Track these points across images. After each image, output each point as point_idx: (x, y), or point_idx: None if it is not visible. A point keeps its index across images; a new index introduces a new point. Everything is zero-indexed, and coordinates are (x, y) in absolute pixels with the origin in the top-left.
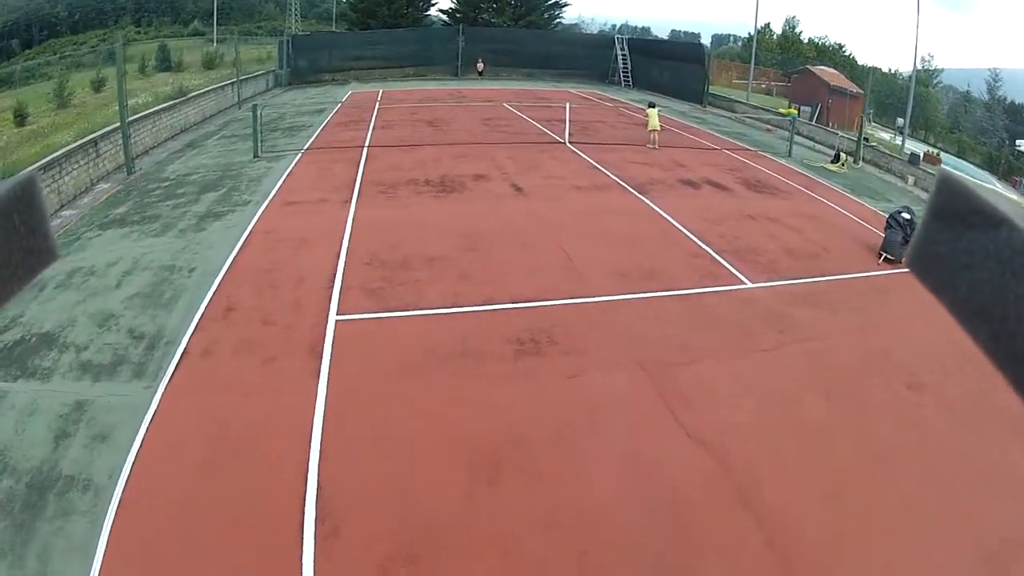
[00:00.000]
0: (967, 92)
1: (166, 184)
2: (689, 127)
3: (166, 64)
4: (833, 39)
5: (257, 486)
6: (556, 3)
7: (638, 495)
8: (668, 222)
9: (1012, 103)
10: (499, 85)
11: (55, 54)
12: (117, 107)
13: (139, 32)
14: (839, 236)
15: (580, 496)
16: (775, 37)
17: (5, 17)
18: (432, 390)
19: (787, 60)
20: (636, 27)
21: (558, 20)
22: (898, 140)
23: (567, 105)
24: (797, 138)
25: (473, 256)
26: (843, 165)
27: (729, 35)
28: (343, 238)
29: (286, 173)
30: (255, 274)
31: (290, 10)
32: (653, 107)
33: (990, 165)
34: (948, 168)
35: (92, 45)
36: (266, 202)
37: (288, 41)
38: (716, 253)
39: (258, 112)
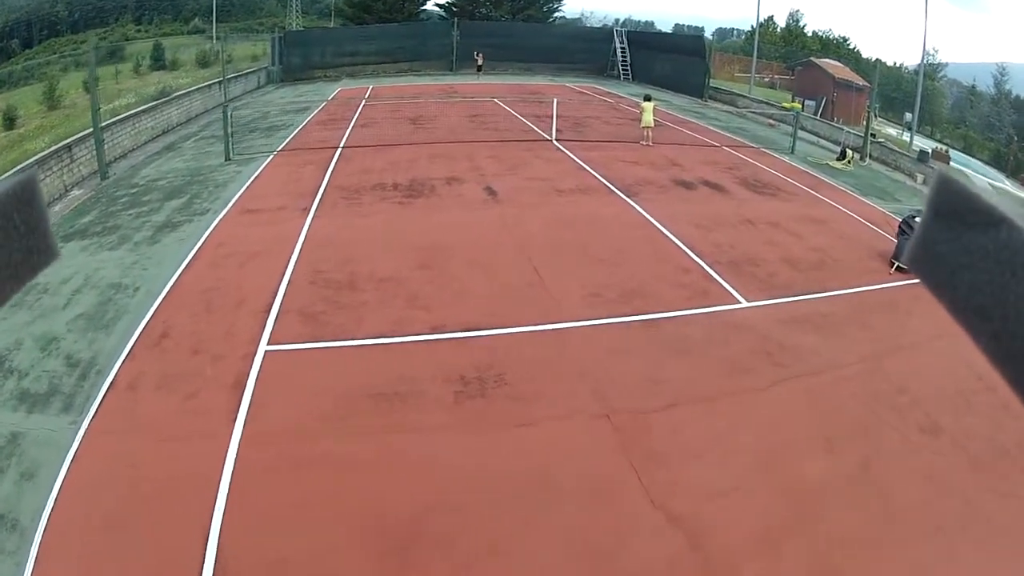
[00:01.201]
0: (973, 87)
1: (134, 191)
2: (687, 122)
3: (160, 63)
4: (837, 32)
5: (157, 551)
6: None
7: None
8: (656, 229)
9: (1018, 98)
10: (494, 80)
11: (55, 53)
12: (106, 107)
13: (139, 30)
14: (846, 242)
15: None
16: (778, 30)
17: (5, 17)
18: (353, 442)
19: (791, 53)
20: (640, 21)
21: (557, 13)
22: (905, 136)
23: (555, 100)
24: (801, 133)
25: (427, 274)
26: (849, 162)
27: (732, 29)
28: (293, 253)
29: (252, 178)
30: (196, 294)
31: (290, 6)
32: (649, 100)
33: (998, 162)
34: (945, 167)
35: (93, 44)
36: (224, 211)
37: (280, 37)
38: (708, 266)
39: (229, 114)
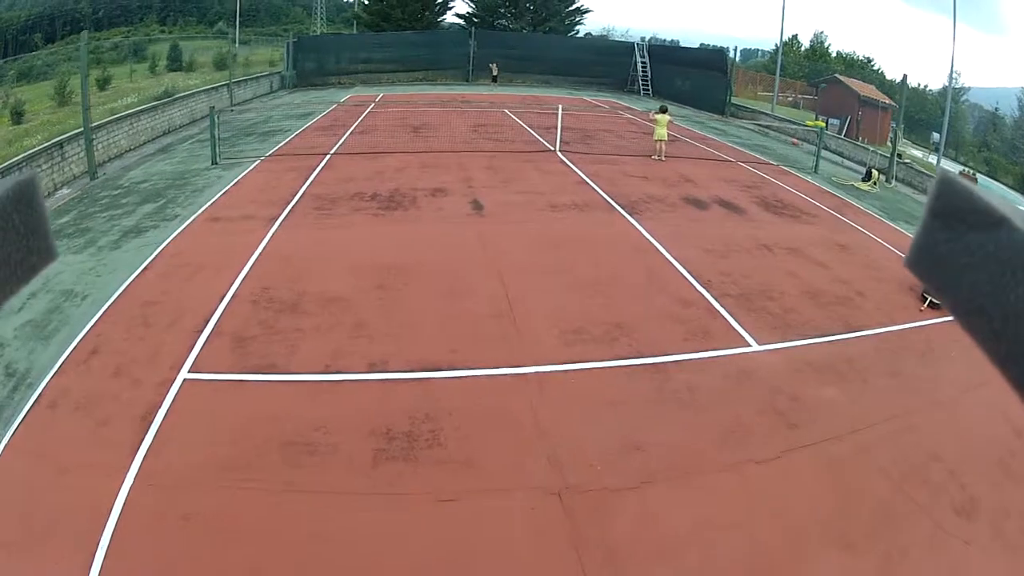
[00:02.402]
0: (995, 110)
1: (116, 193)
2: (706, 137)
3: (177, 63)
4: (861, 54)
5: None
6: (577, 9)
7: None
8: (659, 254)
9: None
10: (509, 91)
11: (77, 50)
12: (116, 104)
13: (163, 31)
14: (874, 273)
15: None
16: (802, 50)
17: (28, 12)
18: (248, 500)
19: (814, 71)
20: (665, 40)
21: (579, 27)
22: (930, 158)
23: (559, 108)
24: (824, 153)
25: (381, 298)
26: (875, 184)
27: (757, 49)
28: (244, 267)
29: (232, 183)
30: (137, 307)
31: (316, 13)
32: (664, 112)
33: (1022, 187)
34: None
35: (115, 42)
36: (192, 217)
37: (293, 43)
38: (715, 299)
39: (215, 117)
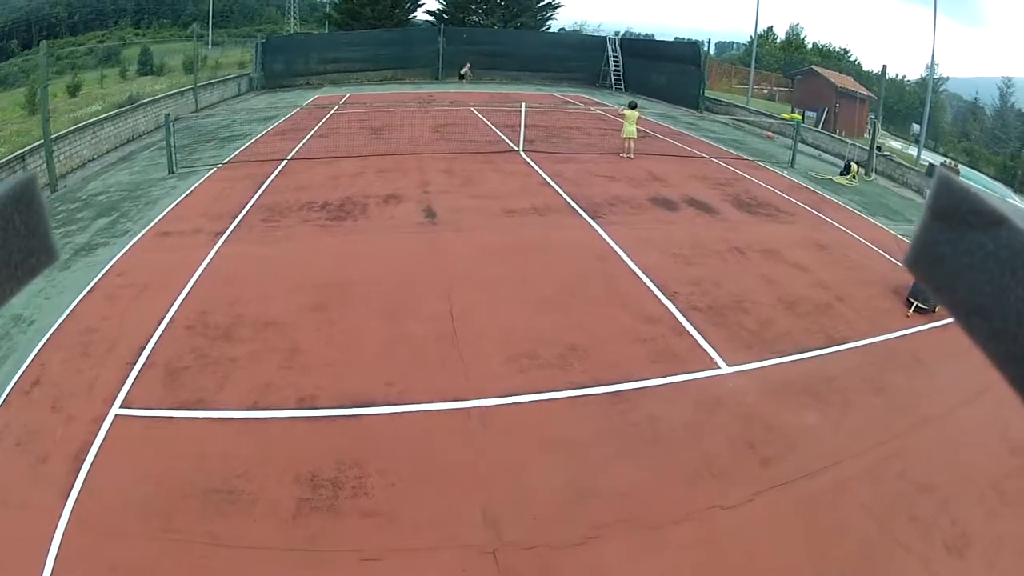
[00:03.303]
0: (975, 100)
1: (74, 207)
2: (679, 133)
3: (148, 67)
4: (837, 45)
5: None
6: (549, 4)
7: None
8: (622, 262)
9: (1020, 111)
10: (478, 88)
11: (52, 55)
12: (80, 112)
13: (138, 34)
14: (855, 275)
15: None
16: (778, 42)
17: (5, 18)
18: (167, 552)
19: (790, 63)
20: (639, 34)
21: (550, 21)
22: (910, 150)
23: (522, 106)
24: (801, 146)
25: (319, 320)
26: (854, 178)
27: (732, 42)
28: (185, 287)
29: (185, 194)
30: (78, 334)
31: (289, 13)
32: (634, 108)
33: (1004, 176)
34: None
35: (89, 47)
36: (142, 232)
37: (261, 43)
38: (681, 312)
39: (171, 126)
